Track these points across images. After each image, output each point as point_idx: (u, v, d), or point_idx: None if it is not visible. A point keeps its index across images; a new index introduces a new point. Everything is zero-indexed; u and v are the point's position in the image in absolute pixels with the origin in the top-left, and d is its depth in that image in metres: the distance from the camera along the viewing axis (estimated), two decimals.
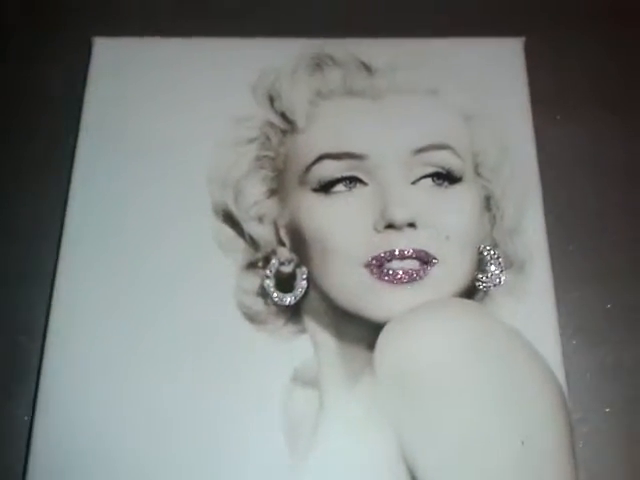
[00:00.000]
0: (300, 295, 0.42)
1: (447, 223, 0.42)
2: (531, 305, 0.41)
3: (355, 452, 0.38)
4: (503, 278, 0.42)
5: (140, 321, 0.41)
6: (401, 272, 0.41)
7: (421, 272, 0.41)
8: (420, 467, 0.37)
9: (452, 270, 0.41)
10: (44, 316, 0.42)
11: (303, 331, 0.41)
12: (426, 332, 0.39)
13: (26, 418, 0.41)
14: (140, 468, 0.38)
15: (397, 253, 0.41)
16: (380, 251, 0.41)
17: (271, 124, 0.44)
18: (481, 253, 0.42)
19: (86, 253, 0.42)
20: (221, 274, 0.42)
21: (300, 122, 0.43)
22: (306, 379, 0.40)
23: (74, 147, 0.46)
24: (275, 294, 0.42)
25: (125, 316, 0.41)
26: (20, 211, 0.48)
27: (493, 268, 0.42)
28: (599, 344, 0.44)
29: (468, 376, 0.38)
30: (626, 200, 0.46)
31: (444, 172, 0.42)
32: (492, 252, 0.42)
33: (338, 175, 0.42)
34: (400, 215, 0.41)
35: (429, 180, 0.42)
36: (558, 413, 0.38)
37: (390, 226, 0.41)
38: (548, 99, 0.48)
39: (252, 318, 0.41)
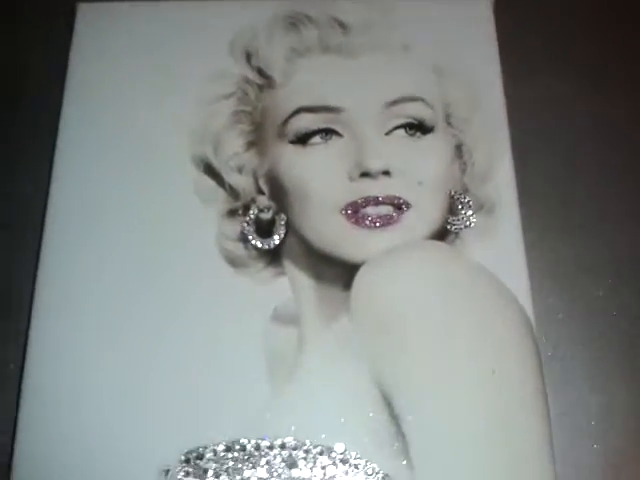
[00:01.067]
0: (279, 240, 0.43)
1: (419, 170, 0.43)
2: (500, 246, 0.43)
3: (333, 384, 0.40)
4: (473, 220, 0.43)
5: (128, 266, 0.42)
6: (376, 217, 0.42)
7: (395, 217, 0.42)
8: (395, 398, 0.38)
9: (425, 214, 0.43)
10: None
11: (282, 274, 0.43)
12: (400, 272, 0.41)
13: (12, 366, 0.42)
14: (127, 403, 0.39)
15: (372, 199, 0.42)
16: (355, 198, 0.43)
17: (248, 80, 0.46)
18: (452, 197, 0.44)
19: (73, 203, 0.44)
20: (203, 222, 0.43)
21: (277, 77, 0.45)
22: (286, 317, 0.41)
23: (59, 111, 0.47)
24: (254, 239, 0.43)
25: (113, 263, 0.43)
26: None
27: (464, 211, 0.43)
28: (568, 287, 0.46)
29: (440, 312, 0.40)
30: (595, 149, 0.48)
31: (416, 122, 0.44)
32: (463, 196, 0.44)
33: (314, 127, 0.44)
34: (375, 164, 0.43)
35: (402, 131, 0.44)
36: (527, 344, 0.40)
37: (365, 175, 0.43)
38: (515, 56, 0.49)
39: (233, 262, 0.43)
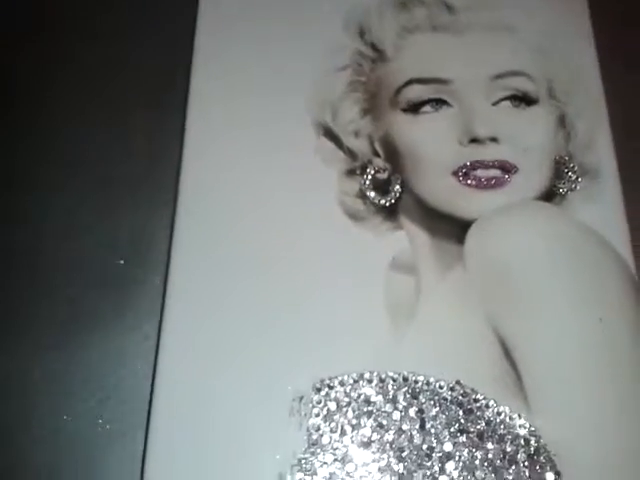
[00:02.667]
0: (395, 197, 0.47)
1: (525, 138, 0.47)
2: (603, 208, 0.46)
3: (450, 327, 0.43)
4: (579, 183, 0.47)
5: (258, 219, 0.46)
6: (485, 179, 0.46)
7: (503, 179, 0.46)
8: (511, 345, 0.42)
9: (532, 178, 0.47)
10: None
11: (399, 228, 0.46)
12: (511, 227, 0.44)
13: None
14: (264, 337, 0.43)
15: (481, 163, 0.46)
16: (466, 160, 0.46)
17: (362, 53, 0.50)
18: (558, 162, 0.47)
19: (207, 164, 0.48)
20: (325, 181, 0.47)
21: (389, 51, 0.49)
22: (403, 266, 0.45)
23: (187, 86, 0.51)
24: (373, 195, 0.47)
25: (244, 217, 0.46)
26: None
27: (569, 175, 0.47)
28: None
29: (550, 264, 0.43)
30: None
31: (520, 95, 0.48)
32: (568, 161, 0.47)
33: (425, 97, 0.47)
34: (484, 131, 0.46)
35: (508, 102, 0.48)
36: (631, 296, 0.43)
37: (474, 140, 0.46)
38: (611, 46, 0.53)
39: (353, 216, 0.46)
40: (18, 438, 0.43)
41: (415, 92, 0.47)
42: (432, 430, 0.40)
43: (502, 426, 0.39)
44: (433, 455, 0.39)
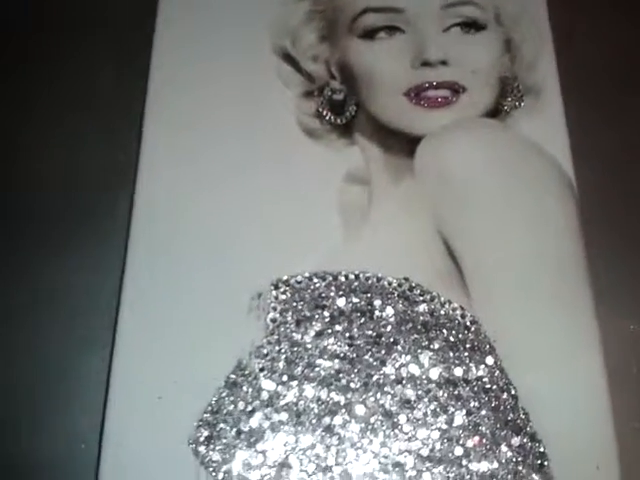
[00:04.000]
0: (350, 116, 0.50)
1: (473, 60, 0.50)
2: (545, 124, 0.49)
3: (400, 232, 0.46)
4: (522, 102, 0.50)
5: (222, 133, 0.49)
6: (435, 98, 0.49)
7: (452, 99, 0.49)
8: (457, 243, 0.45)
9: (478, 97, 0.50)
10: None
11: (353, 144, 0.49)
12: (458, 141, 0.48)
13: None
14: (223, 237, 0.46)
15: (431, 84, 0.49)
16: (417, 82, 0.49)
17: None
18: (503, 82, 0.50)
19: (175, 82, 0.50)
20: (284, 101, 0.50)
21: None
22: (357, 179, 0.48)
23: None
24: (329, 115, 0.50)
25: (201, 140, 0.49)
26: None
27: (514, 93, 0.50)
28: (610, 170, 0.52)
29: (492, 174, 0.46)
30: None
31: (470, 21, 0.51)
32: (513, 81, 0.50)
33: (380, 24, 0.50)
34: (434, 54, 0.49)
35: (458, 28, 0.51)
36: (570, 203, 0.47)
37: (425, 64, 0.49)
38: None
39: (310, 133, 0.49)
40: None
41: (370, 20, 0.50)
42: (381, 322, 0.43)
43: (445, 316, 0.43)
44: (381, 342, 0.42)
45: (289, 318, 0.43)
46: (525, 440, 0.39)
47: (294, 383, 0.41)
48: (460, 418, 0.40)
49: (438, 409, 0.40)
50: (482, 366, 0.41)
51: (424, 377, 0.41)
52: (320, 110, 0.50)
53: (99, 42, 0.55)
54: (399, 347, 0.42)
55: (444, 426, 0.40)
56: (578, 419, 0.40)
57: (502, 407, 0.40)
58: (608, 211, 0.50)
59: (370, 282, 0.43)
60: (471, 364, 0.41)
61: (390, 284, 0.44)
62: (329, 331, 0.42)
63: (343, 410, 0.40)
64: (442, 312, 0.43)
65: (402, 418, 0.40)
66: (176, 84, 0.50)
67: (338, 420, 0.40)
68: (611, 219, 0.50)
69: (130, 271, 0.44)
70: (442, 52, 0.49)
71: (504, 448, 0.39)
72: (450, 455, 0.39)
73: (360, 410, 0.40)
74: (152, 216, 0.46)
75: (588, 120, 0.51)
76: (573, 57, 0.53)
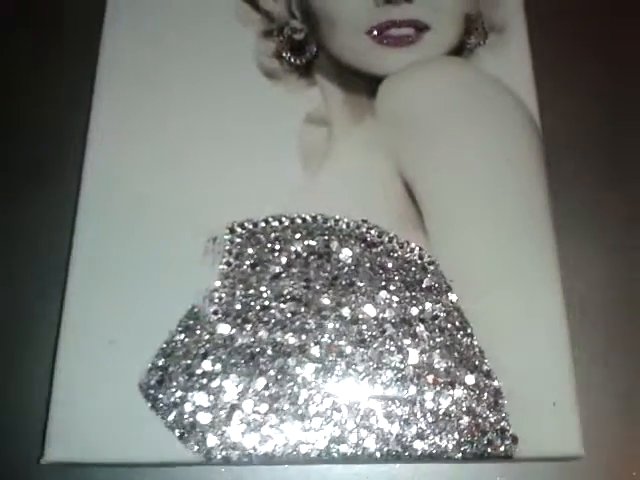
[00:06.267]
0: (310, 57, 0.48)
1: None
2: (509, 61, 0.48)
3: (360, 172, 0.45)
4: (487, 39, 0.48)
5: (171, 84, 0.47)
6: (398, 37, 0.47)
7: (415, 37, 0.47)
8: (417, 185, 0.44)
9: (442, 35, 0.48)
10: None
11: (314, 84, 0.48)
12: (420, 80, 0.46)
13: None
14: (177, 180, 0.45)
15: (394, 22, 0.48)
16: (380, 20, 0.48)
17: None
18: (468, 19, 0.49)
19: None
20: (242, 41, 0.49)
21: None
22: (317, 120, 0.47)
23: None
24: (288, 55, 0.48)
25: (159, 82, 0.48)
26: None
27: (478, 31, 0.48)
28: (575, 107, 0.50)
29: (456, 112, 0.45)
30: None
31: None
32: (478, 18, 0.49)
33: None
34: None
35: None
36: (534, 143, 0.45)
37: (389, 1, 0.48)
38: None
39: (269, 74, 0.48)
40: None
41: None
42: (338, 264, 0.42)
43: (403, 257, 0.42)
44: (337, 284, 0.41)
45: (245, 262, 0.42)
46: (480, 378, 0.39)
47: (248, 326, 0.40)
48: (415, 357, 0.39)
49: (393, 348, 0.39)
50: (438, 305, 0.40)
51: (380, 317, 0.40)
52: (280, 50, 0.48)
53: None
54: (355, 288, 0.41)
55: (399, 365, 0.39)
56: (535, 356, 0.39)
57: (457, 346, 0.39)
58: (572, 148, 0.49)
59: (328, 224, 0.43)
60: (427, 304, 0.40)
61: (348, 226, 0.43)
62: (285, 274, 0.41)
63: (297, 351, 0.39)
64: (400, 253, 0.42)
65: (357, 357, 0.39)
66: (133, 29, 0.49)
67: (292, 362, 0.39)
68: (576, 156, 0.49)
69: (82, 213, 0.43)
70: None
71: (458, 386, 0.38)
72: (404, 393, 0.38)
73: (315, 351, 0.39)
74: (105, 157, 0.44)
75: (554, 57, 0.50)
76: None
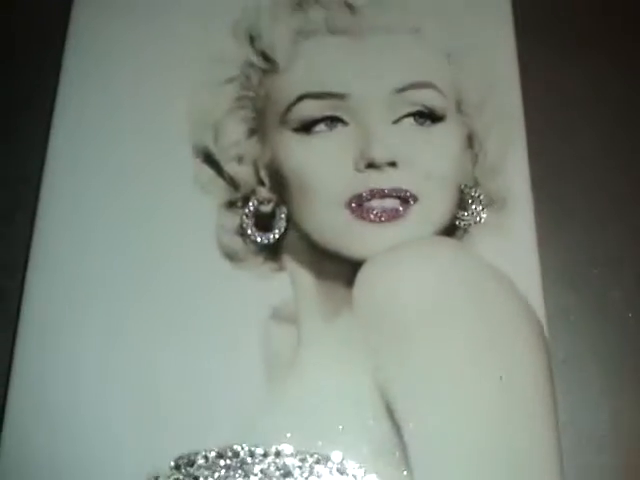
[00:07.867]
0: (279, 234, 0.41)
1: (428, 162, 0.42)
2: (512, 244, 0.41)
3: (332, 387, 0.38)
4: (484, 216, 0.41)
5: (119, 256, 0.40)
6: (381, 211, 0.40)
7: (401, 211, 0.40)
8: (397, 404, 0.37)
9: (432, 209, 0.41)
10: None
11: (282, 269, 0.41)
12: (405, 270, 0.39)
13: None
14: (115, 403, 0.38)
15: (377, 192, 0.40)
16: (361, 190, 0.41)
17: (251, 64, 0.44)
18: (462, 191, 0.42)
19: (67, 189, 0.42)
20: (201, 213, 0.41)
21: (281, 61, 0.43)
22: (284, 316, 0.40)
23: (54, 96, 0.45)
24: (253, 233, 0.41)
25: (105, 250, 0.41)
26: None
27: (474, 206, 0.41)
28: (582, 286, 0.43)
29: (445, 313, 0.38)
30: (613, 141, 0.46)
31: (426, 111, 0.42)
32: (473, 190, 0.41)
33: (319, 115, 0.41)
34: (380, 154, 0.41)
35: (411, 119, 0.42)
36: (538, 351, 0.38)
37: (371, 165, 0.41)
38: (534, 36, 0.46)
39: (231, 256, 0.41)
40: None
41: (308, 109, 0.42)
42: None
43: None
44: None
45: None
46: None
47: None
48: None
49: None
50: None
51: None
52: (244, 226, 0.41)
53: None
54: None
55: None
56: None
57: None
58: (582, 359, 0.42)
59: (283, 462, 0.35)
60: None
61: (318, 463, 0.35)
62: None
63: None
64: None
65: None
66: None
67: None
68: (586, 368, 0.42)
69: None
70: (390, 151, 0.41)
71: None
72: None
73: None
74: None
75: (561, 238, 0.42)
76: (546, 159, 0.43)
